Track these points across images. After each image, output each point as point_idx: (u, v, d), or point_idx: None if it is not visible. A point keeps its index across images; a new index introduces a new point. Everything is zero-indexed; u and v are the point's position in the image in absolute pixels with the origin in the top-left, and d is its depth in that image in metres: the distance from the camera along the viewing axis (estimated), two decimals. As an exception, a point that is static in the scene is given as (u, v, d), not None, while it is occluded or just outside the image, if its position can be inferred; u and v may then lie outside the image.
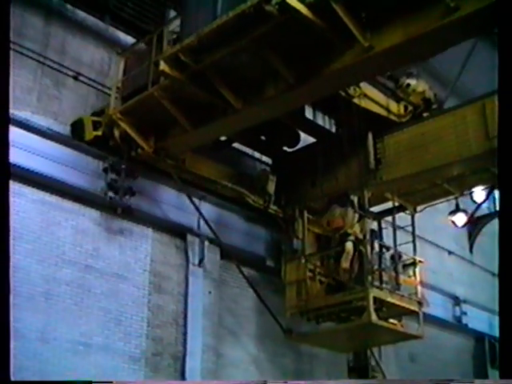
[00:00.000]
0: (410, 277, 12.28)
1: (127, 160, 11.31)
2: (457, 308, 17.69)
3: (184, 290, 12.18)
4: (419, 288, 12.13)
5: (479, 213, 18.89)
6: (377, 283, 11.38)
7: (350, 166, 12.20)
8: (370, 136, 12.01)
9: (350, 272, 11.36)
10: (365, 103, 11.82)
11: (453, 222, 12.76)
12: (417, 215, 15.80)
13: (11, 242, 9.47)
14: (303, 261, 12.13)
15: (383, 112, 12.25)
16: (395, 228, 12.39)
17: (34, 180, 10.69)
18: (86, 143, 11.26)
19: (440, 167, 11.50)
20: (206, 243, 12.50)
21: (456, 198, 12.64)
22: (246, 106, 10.04)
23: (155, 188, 12.05)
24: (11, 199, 9.70)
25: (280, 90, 9.63)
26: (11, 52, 10.15)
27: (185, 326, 11.93)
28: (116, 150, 11.45)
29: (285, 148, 13.45)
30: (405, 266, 12.06)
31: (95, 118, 11.38)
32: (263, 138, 13.19)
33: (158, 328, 11.63)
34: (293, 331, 12.07)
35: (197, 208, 11.94)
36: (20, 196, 10.41)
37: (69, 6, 12.41)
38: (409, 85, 12.17)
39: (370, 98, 11.98)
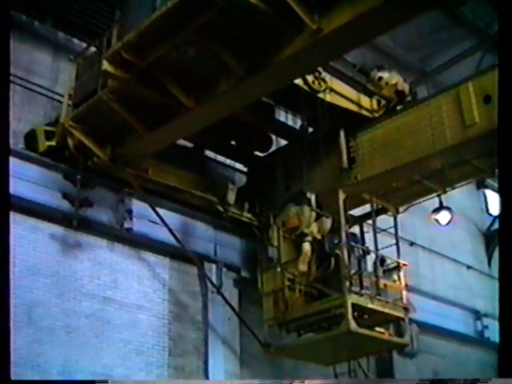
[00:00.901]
0: (394, 281, 11.56)
1: (82, 170, 10.78)
2: (478, 322, 17.50)
3: (204, 318, 12.02)
4: (404, 293, 11.40)
5: (496, 225, 18.52)
6: (357, 289, 10.67)
7: (323, 167, 11.54)
8: (342, 134, 11.38)
9: (307, 275, 10.64)
10: (332, 98, 11.21)
11: (436, 220, 12.02)
12: (436, 232, 15.33)
13: (31, 277, 9.70)
14: (279, 269, 11.45)
15: (354, 107, 11.63)
16: (376, 231, 11.68)
17: (50, 215, 10.56)
18: (40, 154, 10.77)
19: (417, 162, 10.85)
20: (224, 270, 12.31)
21: (439, 196, 11.88)
22: (198, 104, 9.52)
23: (169, 216, 11.74)
24: (28, 235, 10.02)
25: (232, 83, 9.11)
26: (21, 89, 10.91)
27: (206, 353, 11.79)
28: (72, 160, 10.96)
29: (258, 153, 12.84)
30: (385, 271, 11.31)
31: (48, 128, 10.95)
32: (233, 143, 12.58)
33: (179, 357, 11.48)
34: (271, 345, 11.37)
35: (161, 218, 11.34)
36: (37, 231, 10.40)
37: (75, 40, 12.42)
38: (381, 78, 11.53)
39: (339, 92, 11.37)
